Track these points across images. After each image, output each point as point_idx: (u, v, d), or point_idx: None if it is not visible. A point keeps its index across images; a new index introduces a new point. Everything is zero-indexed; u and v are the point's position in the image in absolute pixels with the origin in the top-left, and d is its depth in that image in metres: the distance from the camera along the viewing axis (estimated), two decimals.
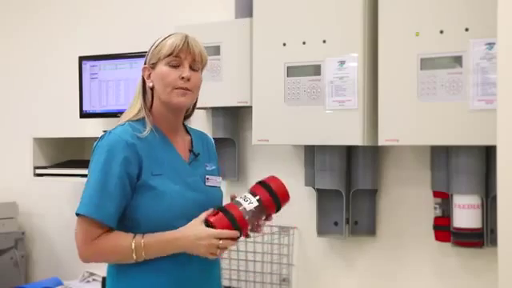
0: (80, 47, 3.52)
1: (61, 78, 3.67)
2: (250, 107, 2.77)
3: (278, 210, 1.86)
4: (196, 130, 2.07)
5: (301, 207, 2.89)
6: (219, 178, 2.00)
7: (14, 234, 3.64)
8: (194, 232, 1.76)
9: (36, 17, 3.85)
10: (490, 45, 2.25)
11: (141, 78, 1.91)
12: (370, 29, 2.51)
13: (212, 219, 1.77)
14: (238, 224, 1.77)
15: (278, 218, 2.87)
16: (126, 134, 1.80)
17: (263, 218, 1.86)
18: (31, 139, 3.43)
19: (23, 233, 3.70)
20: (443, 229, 2.51)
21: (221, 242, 1.75)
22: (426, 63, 2.37)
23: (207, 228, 1.76)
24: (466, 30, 2.31)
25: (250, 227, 1.83)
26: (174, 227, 1.78)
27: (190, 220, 1.79)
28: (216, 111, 3.02)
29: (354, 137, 2.50)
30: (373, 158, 2.69)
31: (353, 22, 2.51)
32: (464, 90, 2.31)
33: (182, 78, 1.84)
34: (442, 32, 2.35)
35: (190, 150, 1.95)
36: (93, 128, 3.35)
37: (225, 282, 2.98)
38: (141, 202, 1.79)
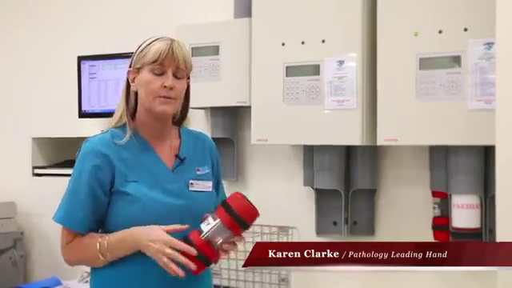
0: (79, 47, 3.52)
1: (60, 78, 3.66)
2: (249, 107, 2.77)
3: (245, 228, 1.79)
4: (194, 132, 2.02)
5: (300, 207, 2.89)
6: (209, 183, 1.93)
7: (12, 234, 3.63)
8: (149, 232, 1.75)
9: (35, 17, 3.84)
10: (489, 45, 2.25)
11: (125, 81, 1.89)
12: (369, 29, 2.51)
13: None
14: (206, 255, 1.74)
15: (277, 218, 2.90)
16: (100, 143, 1.84)
17: (232, 237, 1.79)
18: (30, 139, 3.43)
19: (22, 233, 3.70)
20: (442, 229, 2.51)
21: (169, 251, 1.71)
22: (425, 63, 2.37)
23: (162, 232, 1.74)
24: (465, 29, 2.31)
25: (214, 249, 1.76)
26: None
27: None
28: (215, 111, 3.02)
29: (353, 137, 2.50)
30: (372, 157, 2.69)
31: (352, 21, 2.51)
32: (463, 89, 2.31)
33: (165, 86, 1.81)
34: (440, 32, 2.35)
35: (176, 155, 1.91)
36: (92, 128, 3.33)
37: (224, 282, 2.98)
38: (115, 208, 1.82)
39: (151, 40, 1.87)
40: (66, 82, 3.55)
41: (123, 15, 3.48)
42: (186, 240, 1.74)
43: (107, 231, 1.83)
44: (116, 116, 1.89)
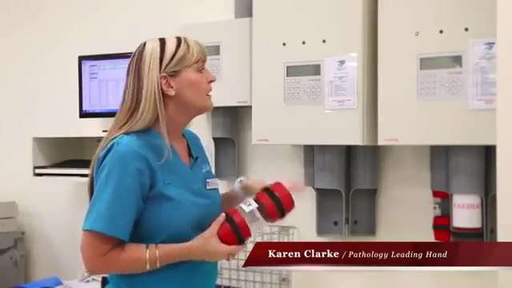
0: (80, 47, 3.52)
1: (60, 78, 3.66)
2: (250, 107, 2.77)
3: (282, 216, 1.87)
4: (187, 130, 2.01)
5: (300, 207, 2.85)
6: (217, 180, 1.98)
7: (13, 234, 3.64)
8: (210, 249, 1.77)
9: (36, 17, 3.85)
10: (490, 44, 2.25)
11: (157, 87, 1.79)
12: (370, 28, 2.51)
13: (222, 235, 1.79)
14: (242, 234, 1.80)
15: None
16: (134, 144, 1.74)
17: (265, 223, 1.88)
18: (31, 139, 3.42)
19: (23, 232, 3.70)
20: (443, 228, 2.51)
21: (230, 257, 1.81)
22: (426, 63, 2.37)
23: (221, 246, 1.78)
24: (466, 29, 2.31)
25: (252, 233, 1.84)
26: (189, 235, 1.78)
27: (200, 227, 1.79)
28: (216, 111, 3.01)
29: (354, 136, 2.50)
30: (372, 157, 2.69)
31: (352, 21, 2.51)
32: (463, 89, 2.31)
33: (211, 81, 1.89)
34: (441, 32, 2.35)
35: (190, 155, 1.92)
36: (92, 128, 3.34)
37: (225, 282, 2.98)
38: (158, 212, 1.75)
39: (176, 42, 1.86)
40: (66, 81, 3.55)
41: (124, 15, 3.48)
42: (229, 219, 1.80)
43: (142, 237, 1.76)
44: (142, 123, 1.78)
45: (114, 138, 1.76)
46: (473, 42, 2.29)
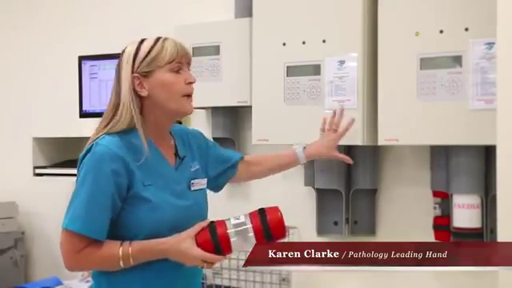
0: (80, 47, 3.52)
1: (60, 78, 3.66)
2: (250, 107, 2.77)
3: (269, 241, 1.80)
4: (176, 126, 1.99)
5: (300, 207, 2.89)
6: (204, 180, 1.95)
7: (13, 234, 3.64)
8: (182, 248, 1.75)
9: (36, 17, 3.85)
10: (490, 45, 2.25)
11: (130, 88, 1.79)
12: (370, 28, 2.51)
13: (199, 239, 1.76)
14: (221, 248, 1.76)
15: None
16: (114, 146, 1.75)
17: (250, 244, 1.80)
18: (31, 139, 3.43)
19: (23, 232, 3.70)
20: (443, 228, 2.51)
21: (205, 264, 1.76)
22: (426, 63, 2.37)
23: (195, 248, 1.74)
24: (466, 29, 2.31)
25: (234, 248, 1.79)
26: (165, 236, 1.77)
27: (178, 229, 1.77)
28: (216, 111, 3.02)
29: (354, 136, 2.49)
30: (372, 157, 2.69)
31: (352, 21, 2.51)
32: (464, 89, 2.31)
33: (189, 83, 1.82)
34: (441, 32, 2.35)
35: (176, 154, 1.90)
36: (92, 128, 3.34)
37: (225, 282, 2.99)
38: (134, 212, 1.77)
39: (151, 42, 1.82)
40: (66, 81, 3.55)
41: (124, 15, 3.48)
42: (212, 226, 1.77)
43: (122, 236, 1.77)
44: (120, 124, 1.79)
45: (96, 139, 1.78)
46: (473, 42, 2.29)
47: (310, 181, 2.78)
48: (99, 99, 3.31)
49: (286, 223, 2.93)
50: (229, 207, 2.98)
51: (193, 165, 1.93)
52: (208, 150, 2.05)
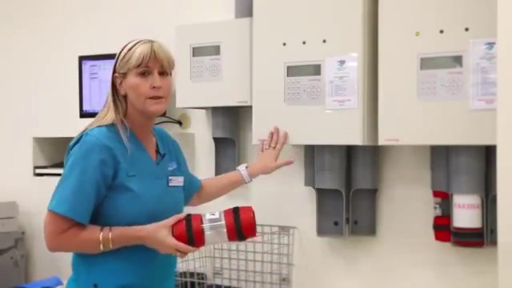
0: (80, 47, 3.52)
1: (61, 78, 3.66)
2: (250, 107, 2.77)
3: (239, 239, 1.97)
4: (157, 128, 2.16)
5: (301, 207, 2.89)
6: (181, 178, 2.11)
7: (13, 234, 3.64)
8: (158, 236, 1.89)
9: (36, 17, 3.85)
10: (490, 44, 2.25)
11: (111, 85, 1.99)
12: (370, 28, 2.51)
13: (175, 230, 1.90)
14: (195, 240, 1.90)
15: (278, 218, 2.90)
16: (102, 136, 1.90)
17: (222, 240, 1.97)
18: (31, 139, 3.43)
19: (23, 232, 3.70)
20: (443, 228, 2.51)
21: (178, 253, 1.92)
22: (426, 63, 2.37)
23: (170, 238, 1.89)
24: (466, 29, 2.31)
25: (207, 242, 1.94)
26: (143, 224, 1.91)
27: (157, 219, 1.92)
28: (216, 111, 3.02)
29: (354, 136, 2.50)
30: (373, 157, 2.69)
31: (353, 21, 2.51)
32: (464, 89, 2.31)
33: (154, 87, 1.95)
34: (442, 32, 2.35)
35: (157, 151, 2.07)
36: None
37: (225, 282, 2.99)
38: (117, 201, 1.91)
39: (131, 45, 1.98)
40: (66, 81, 3.55)
41: (124, 15, 3.48)
42: (188, 219, 1.91)
43: (104, 223, 1.91)
44: (104, 121, 1.96)
45: (86, 129, 1.95)
46: (473, 42, 2.29)
47: (310, 181, 2.78)
48: (99, 99, 3.30)
49: (286, 223, 2.95)
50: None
51: (170, 164, 2.10)
52: (180, 162, 2.21)
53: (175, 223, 1.90)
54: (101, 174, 1.87)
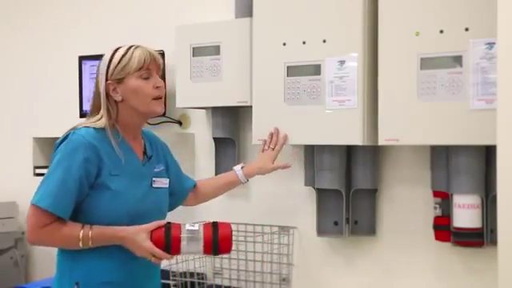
0: (80, 47, 3.52)
1: (61, 78, 3.67)
2: (250, 107, 2.77)
3: (213, 254, 2.00)
4: (146, 131, 2.21)
5: (301, 207, 2.89)
6: (166, 180, 2.16)
7: (13, 234, 3.64)
8: (137, 239, 1.94)
9: (36, 17, 3.85)
10: (490, 44, 2.25)
11: (104, 92, 2.03)
12: (370, 28, 2.51)
13: (153, 236, 1.95)
14: (171, 248, 1.94)
15: (278, 218, 2.90)
16: (89, 136, 1.96)
17: (198, 253, 2.02)
18: (31, 139, 3.42)
19: (23, 232, 3.69)
20: (443, 228, 2.51)
21: (153, 258, 1.96)
22: (426, 63, 2.37)
23: (147, 242, 1.94)
24: (466, 29, 2.31)
25: (184, 251, 1.98)
26: (124, 224, 1.96)
27: (138, 221, 1.97)
28: (216, 111, 3.02)
29: (354, 136, 2.50)
30: (373, 157, 2.69)
31: (353, 21, 2.51)
32: (464, 89, 2.31)
33: (157, 87, 2.04)
34: (442, 32, 2.35)
35: (144, 153, 2.12)
36: None
37: (225, 282, 2.99)
38: (97, 200, 1.96)
39: (123, 51, 2.02)
40: (66, 81, 3.56)
41: (124, 15, 3.48)
42: (168, 227, 1.96)
43: (85, 221, 1.95)
44: (96, 121, 2.02)
45: (74, 128, 2.02)
46: (473, 42, 2.29)
47: (310, 181, 2.78)
48: None
49: (286, 223, 2.95)
50: (229, 207, 2.99)
51: (157, 166, 2.14)
52: (169, 164, 2.25)
53: (155, 229, 1.96)
54: (85, 171, 1.92)
